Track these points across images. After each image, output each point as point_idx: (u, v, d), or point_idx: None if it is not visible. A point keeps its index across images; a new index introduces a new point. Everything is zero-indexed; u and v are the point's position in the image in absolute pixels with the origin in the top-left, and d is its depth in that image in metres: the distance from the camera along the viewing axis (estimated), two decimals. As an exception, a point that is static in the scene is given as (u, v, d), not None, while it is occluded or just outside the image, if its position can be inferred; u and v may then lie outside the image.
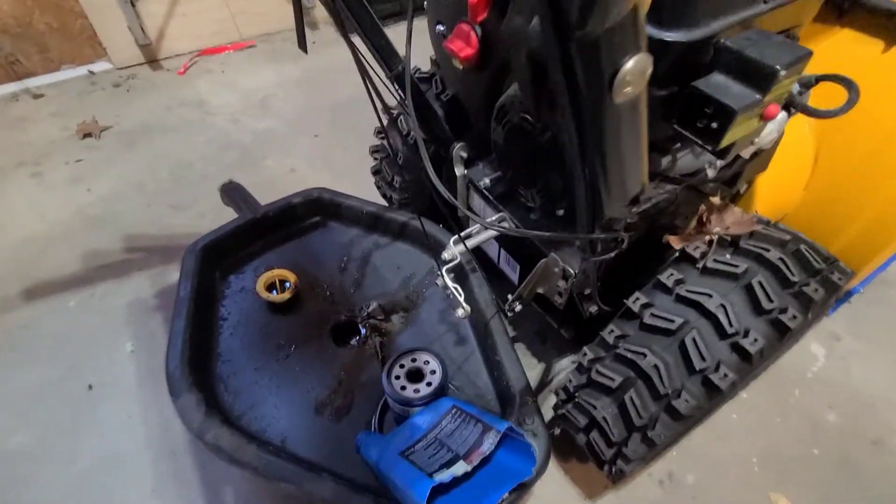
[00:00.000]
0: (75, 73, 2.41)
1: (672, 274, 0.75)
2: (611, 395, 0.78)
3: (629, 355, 0.74)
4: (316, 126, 2.14)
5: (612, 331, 0.78)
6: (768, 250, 0.73)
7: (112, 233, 1.67)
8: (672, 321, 0.72)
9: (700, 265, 0.75)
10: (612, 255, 0.69)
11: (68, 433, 1.20)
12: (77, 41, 2.34)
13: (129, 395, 1.27)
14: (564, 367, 1.31)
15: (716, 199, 0.84)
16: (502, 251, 1.17)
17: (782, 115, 0.62)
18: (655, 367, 0.71)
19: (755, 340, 0.67)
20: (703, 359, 0.69)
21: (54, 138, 2.07)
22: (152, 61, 2.51)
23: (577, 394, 0.84)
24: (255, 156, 1.99)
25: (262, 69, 2.50)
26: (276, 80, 2.42)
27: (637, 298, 0.77)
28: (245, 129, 2.13)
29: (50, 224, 1.71)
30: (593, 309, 1.06)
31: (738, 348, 0.69)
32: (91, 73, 2.43)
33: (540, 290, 1.07)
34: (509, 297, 1.10)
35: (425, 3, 1.00)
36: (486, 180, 1.08)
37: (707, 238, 0.77)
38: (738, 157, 0.84)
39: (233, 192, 1.39)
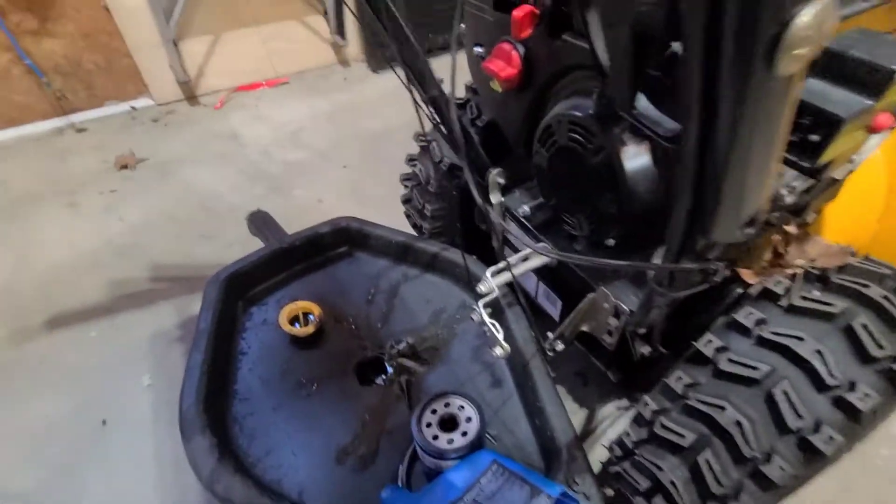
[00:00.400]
0: (118, 109, 2.51)
1: (751, 313, 0.65)
2: (680, 455, 0.67)
3: (703, 408, 0.63)
4: (345, 157, 2.14)
5: (679, 377, 0.68)
6: (868, 286, 0.62)
7: (139, 262, 1.67)
8: (756, 368, 0.61)
9: (784, 303, 0.65)
10: (697, 290, 0.59)
11: (75, 474, 1.13)
12: (121, 79, 2.45)
13: (142, 433, 1.20)
14: (610, 413, 1.18)
15: (791, 228, 0.74)
16: (541, 285, 1.08)
17: (881, 135, 0.53)
18: (737, 423, 0.60)
19: (866, 395, 0.56)
20: (798, 416, 0.57)
21: (92, 170, 2.12)
22: (190, 97, 2.60)
23: (637, 450, 0.73)
24: (285, 186, 1.99)
25: (295, 104, 2.56)
26: (307, 114, 2.47)
27: (709, 340, 0.66)
28: (276, 161, 2.15)
29: (79, 252, 1.72)
30: (646, 350, 0.95)
31: (842, 404, 0.57)
32: (133, 108, 2.53)
33: (584, 328, 0.97)
34: (549, 334, 1.00)
35: (463, 25, 0.97)
36: (525, 208, 1.01)
37: (789, 272, 0.67)
38: (815, 181, 0.75)
39: (259, 221, 1.36)
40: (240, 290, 1.15)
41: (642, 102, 0.59)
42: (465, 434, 0.78)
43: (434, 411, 0.81)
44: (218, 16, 2.48)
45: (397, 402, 0.96)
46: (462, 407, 0.81)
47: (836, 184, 0.74)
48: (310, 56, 2.81)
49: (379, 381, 1.02)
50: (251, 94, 2.68)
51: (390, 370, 1.02)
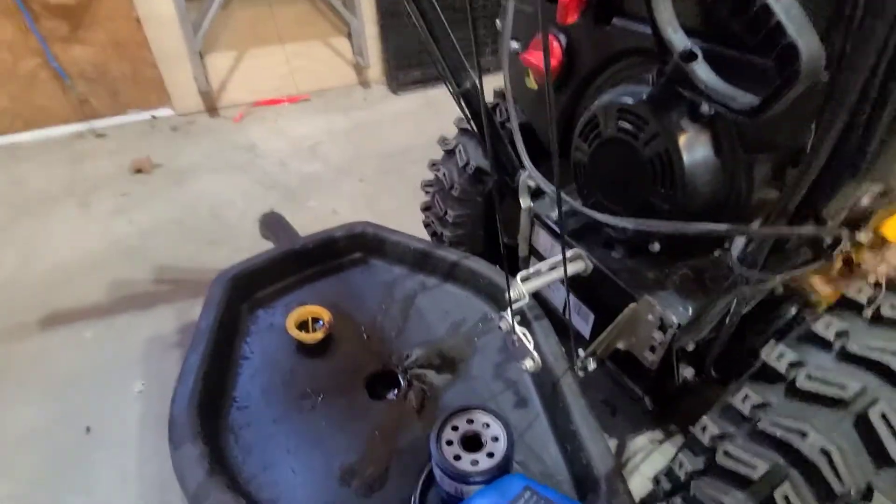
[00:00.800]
0: (138, 117, 2.53)
1: (831, 323, 0.57)
2: (748, 489, 0.57)
3: (779, 433, 0.54)
4: (362, 171, 2.11)
5: (746, 397, 0.58)
6: (968, 297, 0.54)
7: (144, 265, 1.61)
8: (843, 387, 0.52)
9: (868, 313, 0.56)
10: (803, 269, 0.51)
11: (51, 487, 1.03)
12: (145, 88, 2.48)
13: (128, 443, 1.10)
14: (642, 446, 1.06)
15: (862, 235, 0.66)
16: (571, 297, 1.00)
17: None
18: (824, 452, 0.51)
19: (982, 422, 0.46)
20: (901, 445, 0.48)
21: (108, 173, 2.11)
22: (211, 109, 2.62)
23: (692, 482, 0.63)
24: (299, 197, 1.95)
25: (314, 119, 2.56)
26: (326, 129, 2.47)
27: (781, 354, 0.58)
28: (292, 172, 2.12)
29: (85, 252, 1.67)
30: (690, 374, 0.85)
31: (952, 432, 0.48)
32: (153, 117, 2.55)
33: (621, 345, 0.88)
34: (580, 352, 0.91)
35: (497, 21, 0.93)
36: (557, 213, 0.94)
37: (872, 279, 0.59)
38: (886, 191, 0.67)
39: (272, 223, 1.30)
40: (246, 290, 1.08)
41: (712, 78, 0.53)
42: (491, 455, 0.68)
43: (455, 428, 0.72)
44: (244, 32, 2.54)
45: (410, 418, 0.87)
46: (487, 424, 0.72)
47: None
48: (331, 76, 2.85)
49: (391, 395, 0.92)
50: (271, 109, 2.69)
51: (403, 384, 0.93)
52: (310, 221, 1.77)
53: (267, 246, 1.25)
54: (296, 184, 2.04)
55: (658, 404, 0.94)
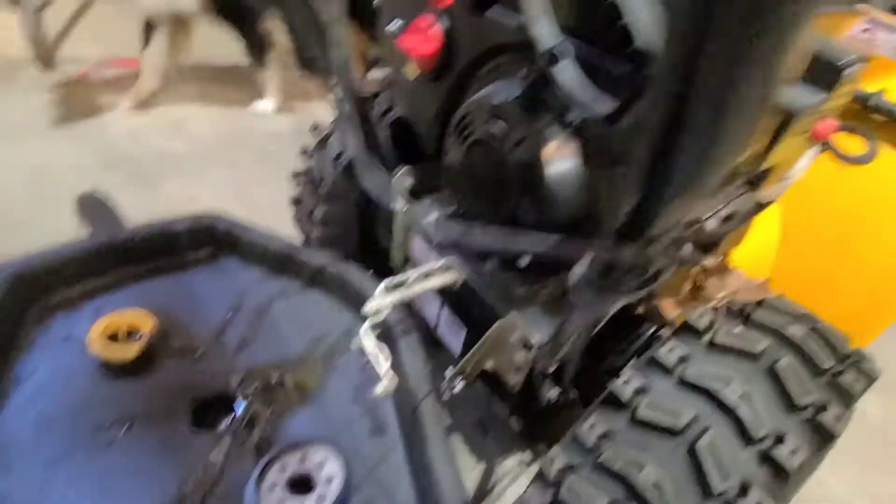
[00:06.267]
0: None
1: (673, 348, 0.56)
2: (590, 528, 0.54)
3: (617, 466, 0.51)
4: (235, 155, 1.86)
5: (592, 426, 0.56)
6: (787, 325, 0.57)
7: None
8: (677, 415, 0.51)
9: (706, 339, 0.57)
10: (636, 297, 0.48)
11: None
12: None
13: None
14: (511, 469, 1.03)
15: (710, 260, 0.69)
16: (444, 312, 0.93)
17: (812, 151, 0.49)
18: (656, 486, 0.49)
19: (794, 451, 0.48)
20: (723, 476, 0.48)
21: None
22: (45, 59, 2.13)
23: (539, 520, 0.58)
24: (151, 179, 1.65)
25: (185, 86, 2.22)
26: (199, 98, 2.15)
27: (627, 380, 0.56)
28: (145, 148, 1.79)
29: None
30: (554, 394, 0.84)
31: (769, 460, 0.49)
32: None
33: (488, 365, 0.83)
34: (449, 370, 0.85)
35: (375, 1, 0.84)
36: (432, 219, 0.87)
37: (713, 304, 0.61)
38: (731, 216, 0.71)
39: (93, 206, 1.05)
40: (37, 291, 0.84)
41: (574, 82, 0.49)
42: (321, 499, 0.58)
43: (284, 468, 0.60)
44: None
45: (246, 455, 0.72)
46: (322, 463, 0.61)
47: (758, 211, 0.72)
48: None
49: (224, 425, 0.77)
50: (130, 70, 2.28)
51: (240, 410, 0.78)
52: (160, 209, 1.50)
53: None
54: (148, 162, 1.73)
55: (526, 424, 0.92)
